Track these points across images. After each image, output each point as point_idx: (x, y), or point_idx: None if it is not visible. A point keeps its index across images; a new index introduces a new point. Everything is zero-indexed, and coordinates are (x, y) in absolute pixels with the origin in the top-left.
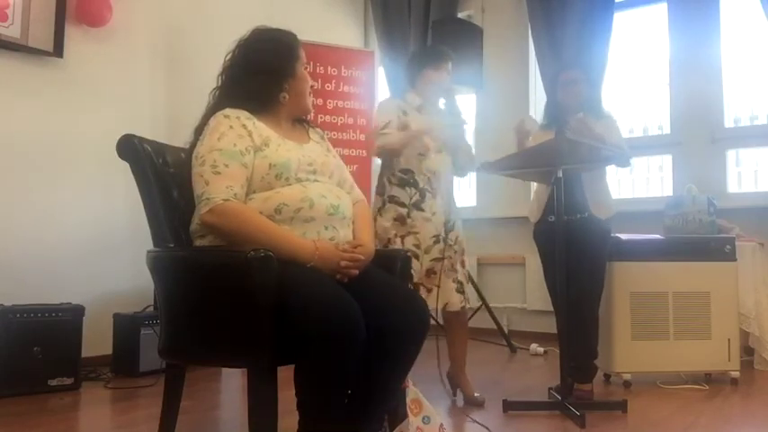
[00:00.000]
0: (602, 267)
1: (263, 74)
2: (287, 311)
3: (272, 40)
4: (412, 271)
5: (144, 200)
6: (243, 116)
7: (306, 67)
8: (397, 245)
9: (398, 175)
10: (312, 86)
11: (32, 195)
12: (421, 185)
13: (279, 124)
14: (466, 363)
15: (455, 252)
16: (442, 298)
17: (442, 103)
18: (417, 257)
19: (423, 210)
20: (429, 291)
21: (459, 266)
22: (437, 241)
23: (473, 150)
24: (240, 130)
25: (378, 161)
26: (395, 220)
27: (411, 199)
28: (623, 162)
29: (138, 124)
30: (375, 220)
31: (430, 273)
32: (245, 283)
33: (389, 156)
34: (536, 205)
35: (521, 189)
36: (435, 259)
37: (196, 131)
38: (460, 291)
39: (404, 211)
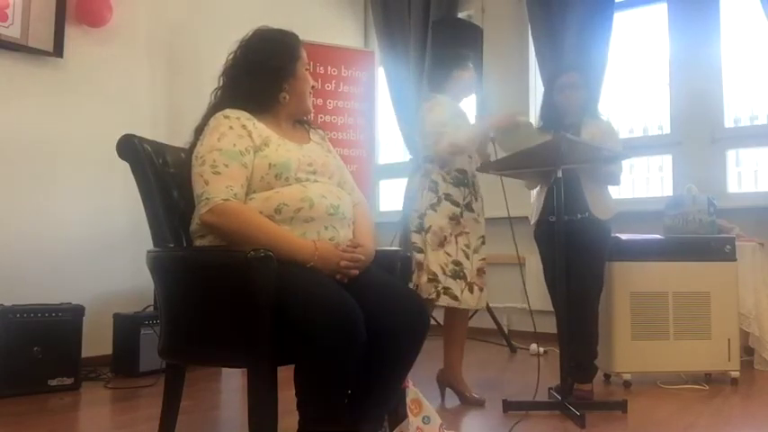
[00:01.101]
0: (601, 267)
1: (264, 74)
2: (287, 311)
3: (273, 41)
4: (464, 270)
5: (144, 200)
6: (243, 117)
7: (307, 68)
8: (452, 244)
9: (454, 174)
10: (313, 87)
11: (32, 195)
12: (472, 187)
13: (279, 125)
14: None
15: None
16: (485, 297)
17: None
18: (468, 257)
19: (473, 210)
20: (481, 290)
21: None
22: (483, 242)
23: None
24: (240, 131)
25: (378, 161)
26: (450, 219)
27: (464, 199)
28: (615, 179)
29: (138, 124)
30: (426, 215)
31: (481, 272)
32: (245, 283)
33: (458, 154)
34: (535, 205)
35: (521, 189)
36: (483, 259)
37: (196, 131)
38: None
39: (457, 210)
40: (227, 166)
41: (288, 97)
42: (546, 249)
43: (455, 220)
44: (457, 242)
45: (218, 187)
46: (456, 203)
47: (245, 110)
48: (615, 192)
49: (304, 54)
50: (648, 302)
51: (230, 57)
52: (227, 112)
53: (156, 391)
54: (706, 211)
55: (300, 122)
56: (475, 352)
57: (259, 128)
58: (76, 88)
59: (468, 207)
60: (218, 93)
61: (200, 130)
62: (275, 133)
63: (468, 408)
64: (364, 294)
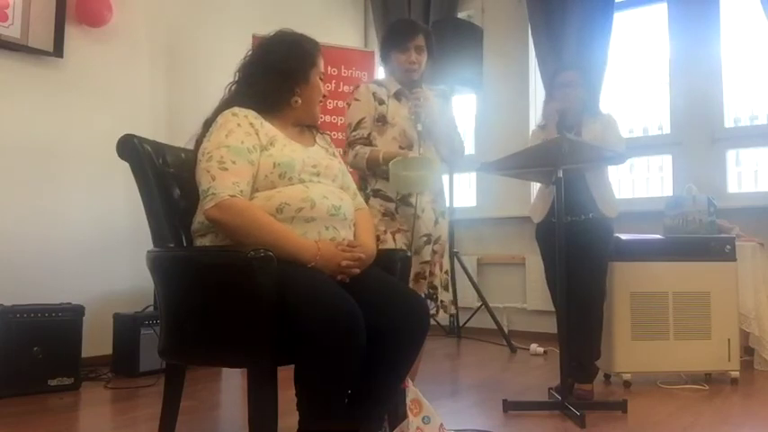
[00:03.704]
0: (604, 268)
1: (277, 75)
2: (287, 311)
3: (292, 44)
4: None
5: (144, 200)
6: (250, 115)
7: (321, 78)
8: (389, 242)
9: (384, 168)
10: (324, 96)
11: (32, 195)
12: None
13: (285, 127)
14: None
15: (434, 253)
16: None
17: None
18: None
19: (410, 205)
20: None
21: (437, 270)
22: (428, 242)
23: (459, 140)
24: (248, 128)
25: None
26: (383, 215)
27: (397, 194)
28: (619, 160)
29: (138, 124)
30: None
31: (419, 277)
32: (246, 284)
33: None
34: (540, 205)
35: (521, 189)
36: (425, 262)
37: (205, 124)
38: (431, 297)
39: (391, 206)
40: (234, 162)
41: (299, 101)
42: (548, 250)
43: (389, 216)
44: (395, 240)
45: (225, 183)
46: (388, 198)
47: (255, 109)
48: (615, 192)
49: (320, 63)
50: (648, 302)
51: (248, 53)
52: (236, 110)
53: (156, 391)
54: (706, 211)
55: (308, 128)
56: (475, 352)
57: (266, 127)
58: (76, 88)
59: (405, 201)
60: (233, 87)
61: (208, 124)
62: (281, 133)
63: (467, 408)
64: (365, 294)
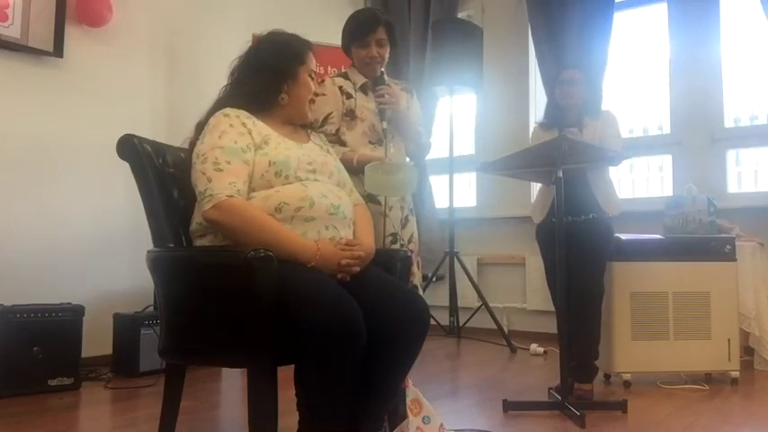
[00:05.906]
0: (604, 267)
1: (265, 73)
2: (287, 311)
3: (281, 43)
4: None
5: (144, 200)
6: (242, 115)
7: (311, 77)
8: None
9: (356, 167)
10: (316, 95)
11: (32, 195)
12: None
13: (278, 126)
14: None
15: (410, 252)
16: None
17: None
18: None
19: (378, 202)
20: None
21: (414, 268)
22: (394, 240)
23: (425, 136)
24: (240, 129)
25: None
26: None
27: (365, 191)
28: (616, 160)
29: (138, 124)
30: None
31: None
32: (246, 284)
33: None
34: (540, 205)
35: (521, 189)
36: None
37: (197, 127)
38: None
39: None
40: (229, 162)
41: (286, 98)
42: (549, 250)
43: None
44: None
45: (222, 184)
46: None
47: (246, 108)
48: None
49: (311, 62)
50: (648, 302)
51: (241, 55)
52: (227, 110)
53: (156, 391)
54: (706, 211)
55: (302, 126)
56: (475, 352)
57: (258, 126)
58: (77, 88)
59: (372, 199)
60: (227, 89)
61: (201, 126)
62: (275, 132)
63: (467, 408)
64: (364, 294)
